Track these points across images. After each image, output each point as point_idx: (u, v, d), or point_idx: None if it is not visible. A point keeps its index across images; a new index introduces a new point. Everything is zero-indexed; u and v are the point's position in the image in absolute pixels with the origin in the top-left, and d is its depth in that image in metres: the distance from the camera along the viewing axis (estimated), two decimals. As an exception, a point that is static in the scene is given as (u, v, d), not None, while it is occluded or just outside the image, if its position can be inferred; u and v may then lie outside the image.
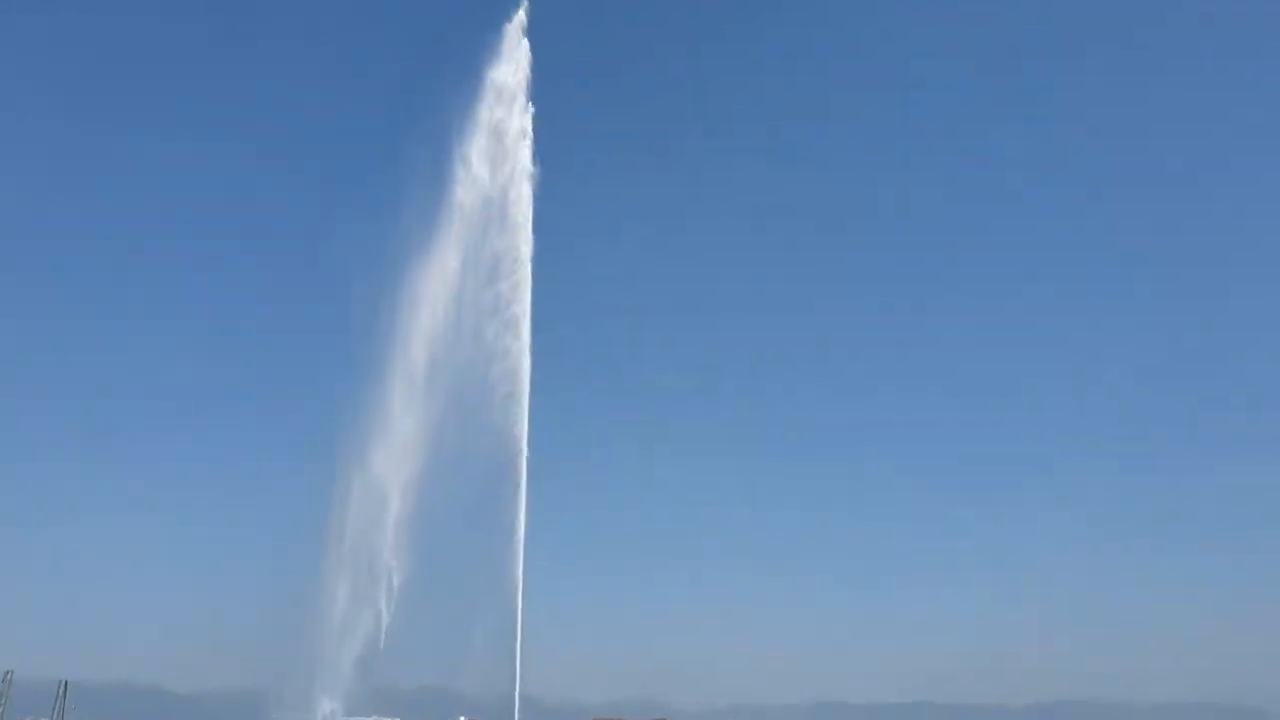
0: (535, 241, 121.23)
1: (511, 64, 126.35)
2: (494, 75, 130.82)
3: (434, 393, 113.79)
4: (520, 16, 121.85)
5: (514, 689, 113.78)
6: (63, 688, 41.28)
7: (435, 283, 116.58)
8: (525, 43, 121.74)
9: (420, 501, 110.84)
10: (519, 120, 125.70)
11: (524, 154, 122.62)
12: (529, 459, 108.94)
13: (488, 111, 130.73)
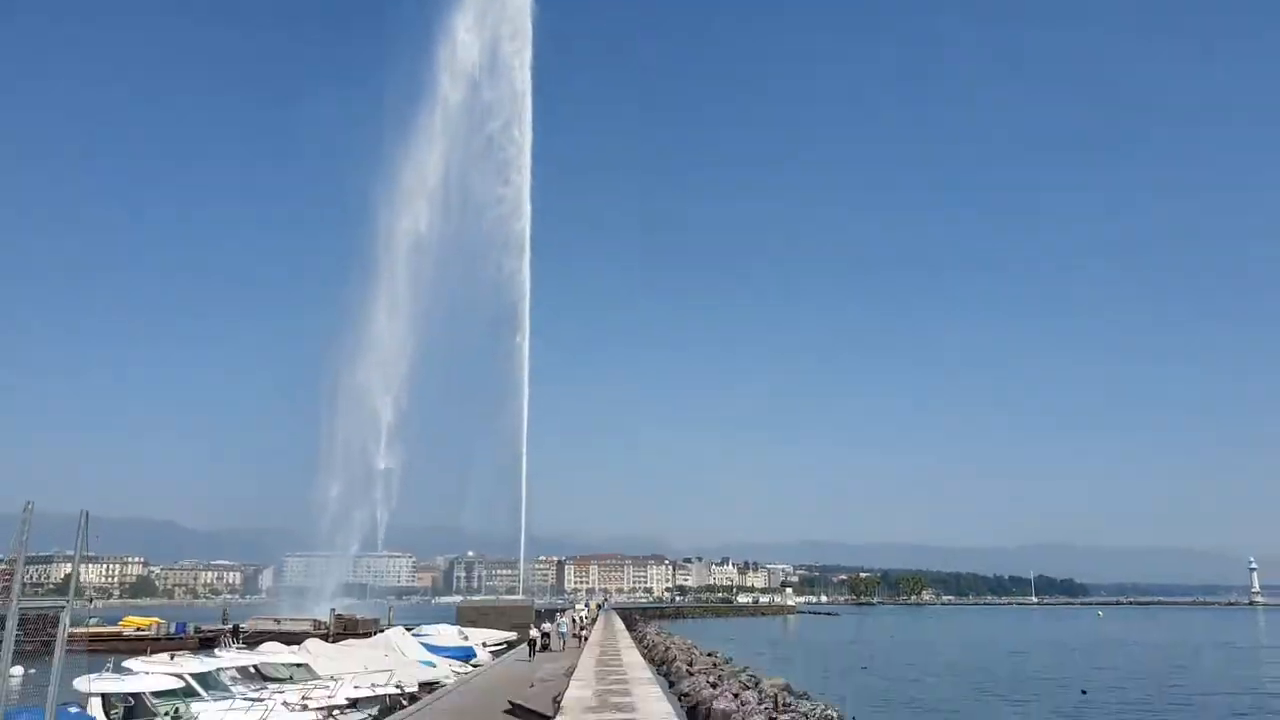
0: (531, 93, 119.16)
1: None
2: None
3: (422, 273, 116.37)
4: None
5: (520, 527, 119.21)
6: (84, 518, 42.35)
7: (418, 177, 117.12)
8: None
9: (413, 391, 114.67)
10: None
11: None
12: (531, 307, 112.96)
13: None
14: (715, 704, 31.62)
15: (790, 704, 31.25)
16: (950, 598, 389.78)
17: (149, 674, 21.69)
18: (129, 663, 24.09)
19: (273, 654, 32.55)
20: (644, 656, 44.22)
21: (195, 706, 21.17)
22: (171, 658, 25.16)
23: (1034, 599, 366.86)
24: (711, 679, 40.50)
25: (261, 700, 22.60)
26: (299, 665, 29.74)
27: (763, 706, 30.90)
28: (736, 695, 33.75)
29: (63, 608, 14.52)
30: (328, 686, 26.91)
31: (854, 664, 65.64)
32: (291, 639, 43.26)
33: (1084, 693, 45.11)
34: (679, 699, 37.81)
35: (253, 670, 27.13)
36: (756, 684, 39.02)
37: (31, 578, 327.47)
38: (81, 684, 20.41)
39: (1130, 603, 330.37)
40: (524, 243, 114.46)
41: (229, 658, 28.09)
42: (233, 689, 24.45)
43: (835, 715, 25.64)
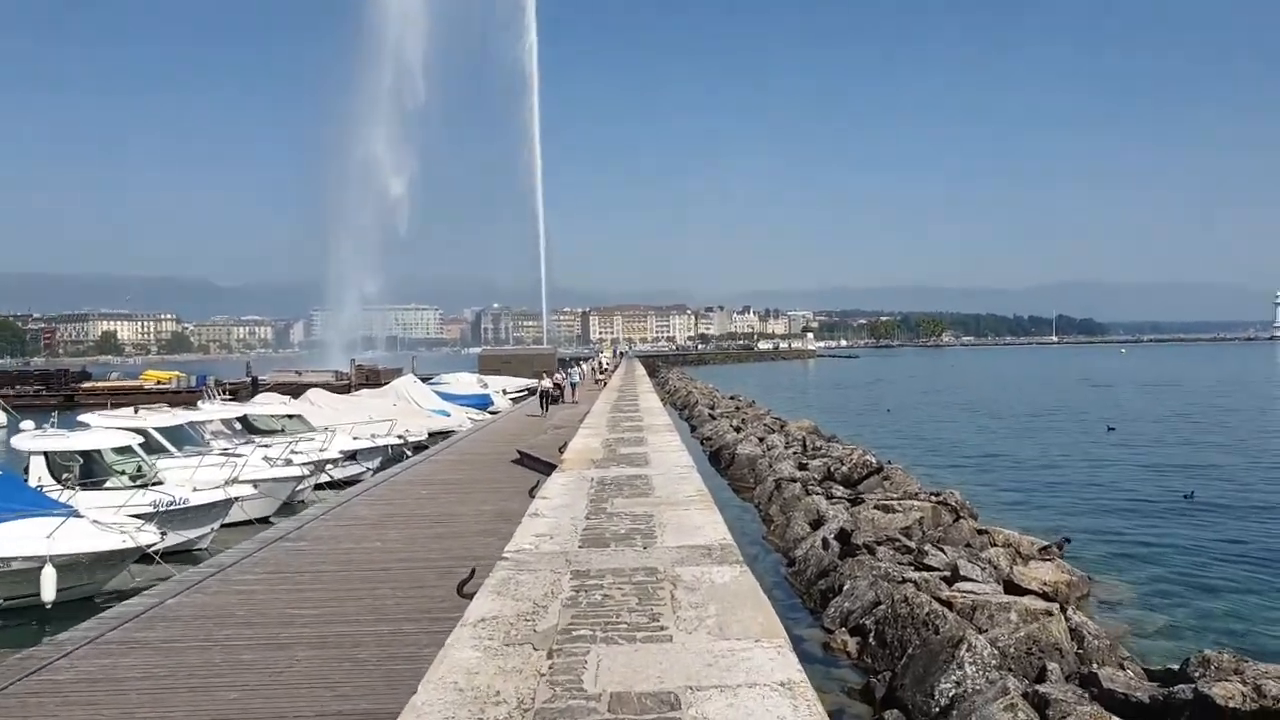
0: None
1: None
2: None
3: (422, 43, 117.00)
4: None
5: (540, 278, 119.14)
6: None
7: None
8: None
9: (426, 121, 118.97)
10: None
11: None
12: (539, 64, 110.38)
13: None
14: (740, 449, 29.78)
15: (820, 448, 29.36)
16: (970, 339, 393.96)
17: (104, 429, 19.39)
18: (85, 417, 21.91)
19: (262, 405, 30.70)
20: (664, 401, 42.57)
21: (161, 463, 19.04)
22: (136, 410, 23.05)
23: (1054, 338, 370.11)
24: (735, 423, 38.87)
25: (240, 455, 20.53)
26: (291, 417, 27.79)
27: (790, 451, 29.00)
28: (762, 440, 31.94)
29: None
30: (320, 438, 25.01)
31: (878, 406, 64.67)
32: (304, 392, 41.60)
33: (1111, 429, 43.61)
34: (701, 443, 36.28)
35: (237, 424, 25.13)
36: (782, 427, 37.34)
37: (71, 335, 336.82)
38: (20, 441, 18.02)
39: (1151, 340, 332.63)
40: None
41: (210, 410, 26.05)
42: (213, 444, 22.48)
43: (873, 460, 23.42)
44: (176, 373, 74.42)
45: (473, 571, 7.81)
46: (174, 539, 15.98)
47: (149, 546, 14.43)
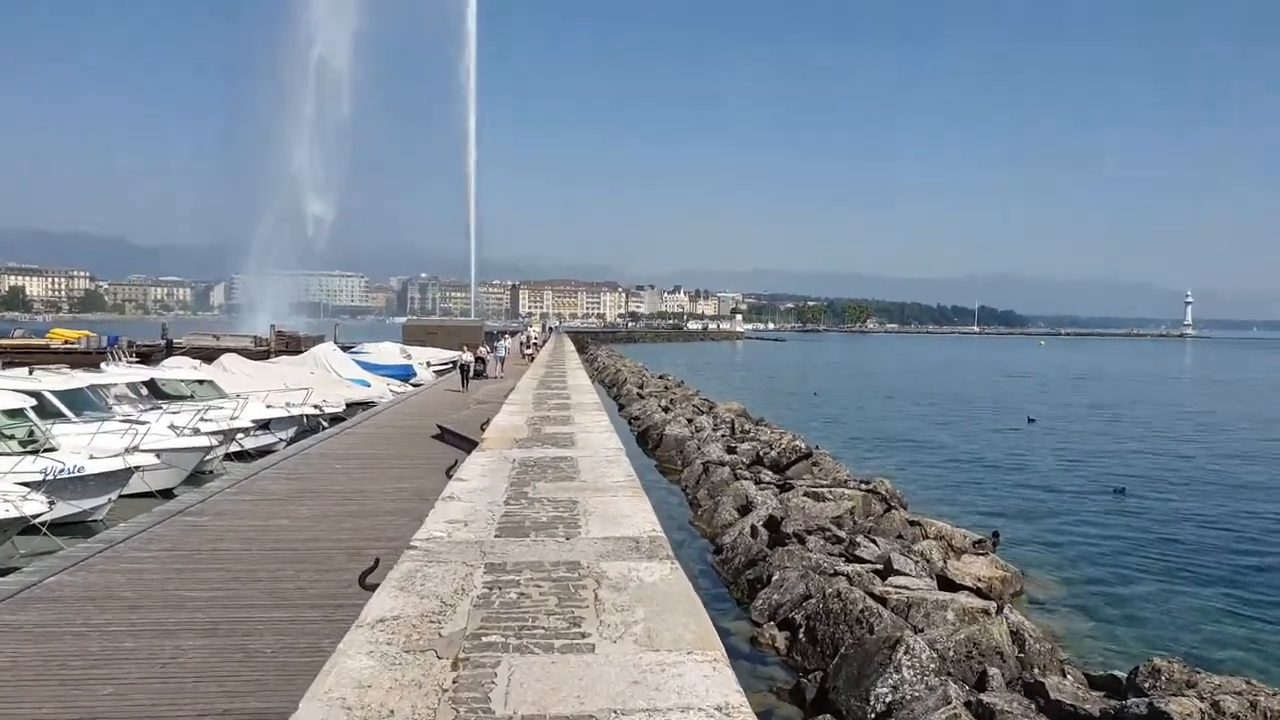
0: None
1: None
2: None
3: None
4: None
5: (469, 249, 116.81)
6: None
7: None
8: None
9: (359, 105, 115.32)
10: None
11: None
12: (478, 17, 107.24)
13: None
14: (668, 430, 29.36)
15: (749, 431, 29.09)
16: (894, 326, 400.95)
17: (-8, 391, 17.96)
18: (-32, 378, 20.40)
19: (171, 369, 29.22)
20: (592, 379, 41.97)
21: (57, 429, 17.80)
22: (30, 371, 21.60)
23: (976, 329, 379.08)
24: (663, 403, 38.47)
25: (144, 422, 19.34)
26: (202, 382, 26.45)
27: (719, 433, 28.68)
28: (690, 421, 31.58)
29: None
30: (231, 406, 23.80)
31: (804, 389, 65.01)
32: (219, 356, 39.86)
33: (1032, 420, 44.43)
34: (628, 423, 35.80)
35: (144, 389, 23.78)
36: (711, 409, 37.06)
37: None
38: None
39: (1068, 333, 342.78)
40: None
41: (114, 373, 24.62)
42: (117, 409, 21.19)
43: (802, 445, 23.17)
44: (86, 332, 70.93)
45: (377, 561, 7.16)
46: (65, 509, 14.90)
47: (34, 517, 13.38)
